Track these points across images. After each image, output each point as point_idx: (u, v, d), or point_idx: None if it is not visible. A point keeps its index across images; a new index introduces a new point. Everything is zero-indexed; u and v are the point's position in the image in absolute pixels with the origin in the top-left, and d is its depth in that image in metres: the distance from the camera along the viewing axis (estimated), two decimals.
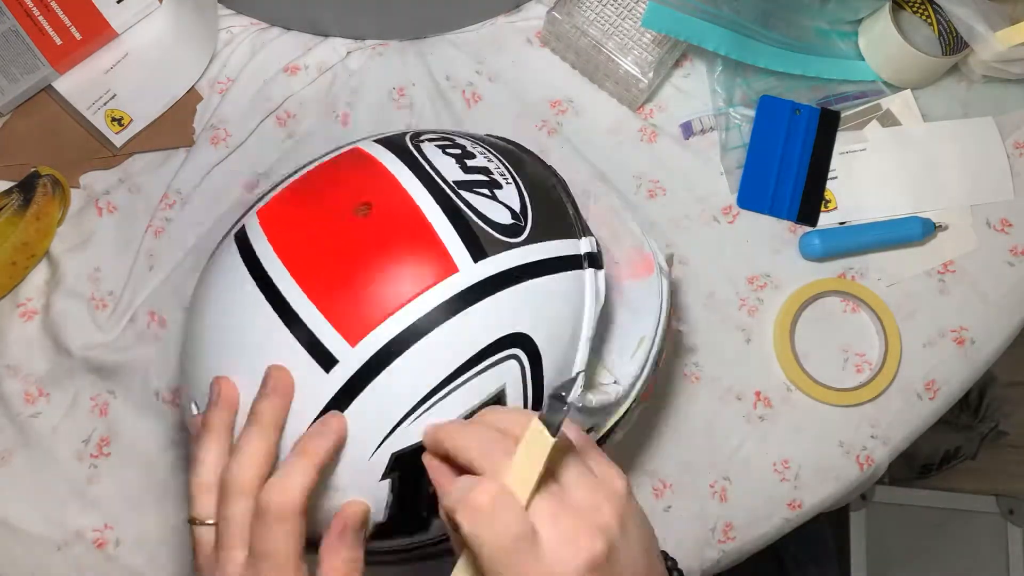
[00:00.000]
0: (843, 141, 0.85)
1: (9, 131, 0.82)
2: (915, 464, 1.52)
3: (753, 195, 0.84)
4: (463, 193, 0.54)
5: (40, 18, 0.81)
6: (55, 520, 0.74)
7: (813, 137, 0.85)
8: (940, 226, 0.83)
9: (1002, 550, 1.51)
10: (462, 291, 0.50)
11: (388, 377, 0.49)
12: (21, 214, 0.76)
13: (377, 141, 0.59)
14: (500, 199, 0.54)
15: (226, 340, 0.53)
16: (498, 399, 0.51)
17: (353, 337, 0.49)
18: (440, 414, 0.50)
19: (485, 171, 0.56)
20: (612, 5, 0.83)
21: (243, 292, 0.52)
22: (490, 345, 0.50)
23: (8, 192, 0.77)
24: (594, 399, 0.56)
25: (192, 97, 0.83)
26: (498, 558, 0.42)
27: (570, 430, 0.46)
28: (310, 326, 0.50)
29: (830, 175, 0.85)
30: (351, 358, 0.49)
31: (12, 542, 0.74)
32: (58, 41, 0.81)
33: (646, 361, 0.60)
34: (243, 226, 0.56)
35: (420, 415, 0.50)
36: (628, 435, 0.78)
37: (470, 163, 0.56)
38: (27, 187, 0.77)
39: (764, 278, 0.82)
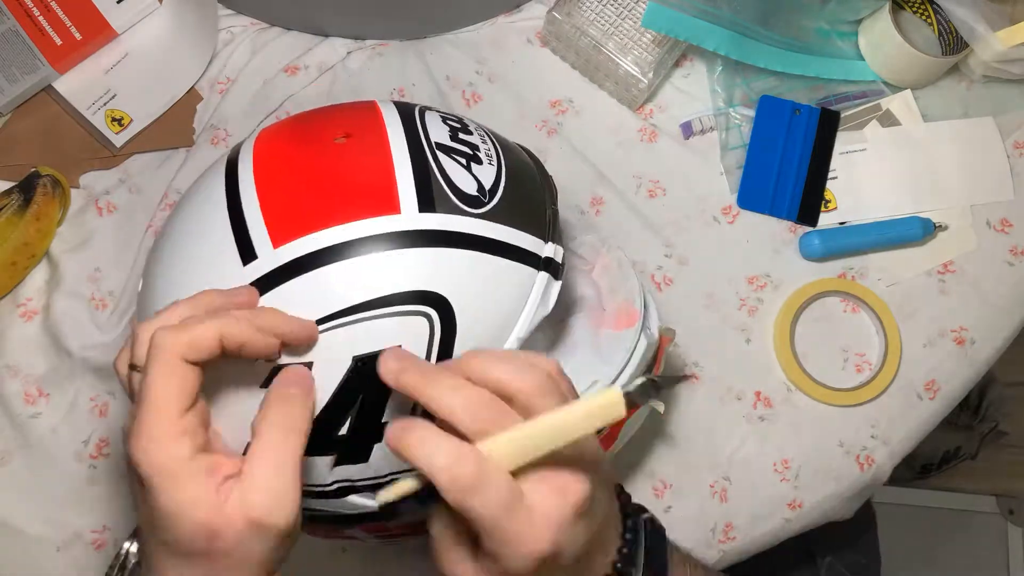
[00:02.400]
0: (843, 141, 0.85)
1: (9, 131, 0.81)
2: (915, 464, 1.53)
3: (753, 195, 0.84)
4: (439, 154, 0.54)
5: (40, 18, 0.81)
6: (55, 520, 0.74)
7: (813, 137, 0.85)
8: (940, 226, 0.83)
9: (1002, 550, 1.52)
10: (396, 232, 0.51)
11: (295, 287, 0.49)
12: (21, 214, 0.76)
13: (392, 102, 0.60)
14: (474, 172, 0.55)
15: (181, 242, 0.54)
16: None
17: (278, 239, 0.50)
18: (326, 343, 0.49)
19: (473, 146, 0.57)
20: (612, 5, 0.83)
21: (210, 198, 0.54)
22: (404, 293, 0.50)
23: (8, 192, 0.77)
24: None
25: (192, 97, 0.83)
26: (489, 524, 0.42)
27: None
28: (248, 223, 0.51)
29: (830, 175, 0.85)
30: (269, 258, 0.50)
31: (12, 542, 0.74)
32: (58, 41, 0.81)
33: None
34: (240, 144, 0.57)
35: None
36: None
37: (462, 136, 0.57)
38: (27, 187, 0.77)
39: (764, 278, 0.82)
